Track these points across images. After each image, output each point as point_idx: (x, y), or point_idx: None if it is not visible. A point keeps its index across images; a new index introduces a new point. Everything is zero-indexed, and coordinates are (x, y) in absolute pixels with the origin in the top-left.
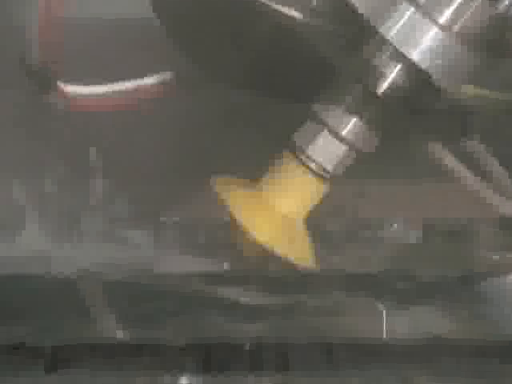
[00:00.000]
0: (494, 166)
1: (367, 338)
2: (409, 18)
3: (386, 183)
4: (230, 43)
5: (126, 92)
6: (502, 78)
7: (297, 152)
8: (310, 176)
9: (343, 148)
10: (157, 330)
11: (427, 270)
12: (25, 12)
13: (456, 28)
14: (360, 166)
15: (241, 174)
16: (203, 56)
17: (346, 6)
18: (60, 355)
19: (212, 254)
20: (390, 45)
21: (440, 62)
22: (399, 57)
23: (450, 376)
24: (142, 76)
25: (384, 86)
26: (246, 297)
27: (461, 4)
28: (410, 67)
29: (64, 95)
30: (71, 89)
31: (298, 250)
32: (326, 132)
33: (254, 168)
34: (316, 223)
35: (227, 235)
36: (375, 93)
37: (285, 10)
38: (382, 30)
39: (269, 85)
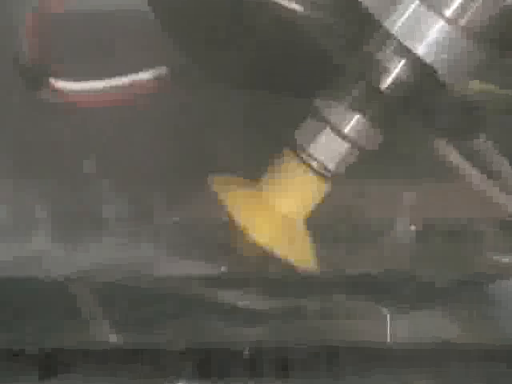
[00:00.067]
0: (502, 164)
1: (370, 343)
2: (414, 10)
3: (387, 182)
4: (227, 37)
5: (120, 87)
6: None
7: (297, 150)
8: (311, 175)
9: (345, 146)
10: (152, 335)
11: (431, 271)
12: (18, 11)
13: (463, 21)
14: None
15: (239, 173)
16: (200, 51)
17: None
18: (52, 361)
19: (210, 256)
20: (394, 39)
21: (446, 56)
22: (404, 51)
23: (456, 382)
24: (138, 71)
25: (388, 81)
26: (245, 300)
27: None
28: (415, 62)
29: (56, 91)
30: (63, 85)
31: (298, 252)
32: (327, 129)
33: (253, 166)
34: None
35: (226, 236)
36: (379, 88)
37: (285, 2)
38: (386, 23)
39: (268, 80)
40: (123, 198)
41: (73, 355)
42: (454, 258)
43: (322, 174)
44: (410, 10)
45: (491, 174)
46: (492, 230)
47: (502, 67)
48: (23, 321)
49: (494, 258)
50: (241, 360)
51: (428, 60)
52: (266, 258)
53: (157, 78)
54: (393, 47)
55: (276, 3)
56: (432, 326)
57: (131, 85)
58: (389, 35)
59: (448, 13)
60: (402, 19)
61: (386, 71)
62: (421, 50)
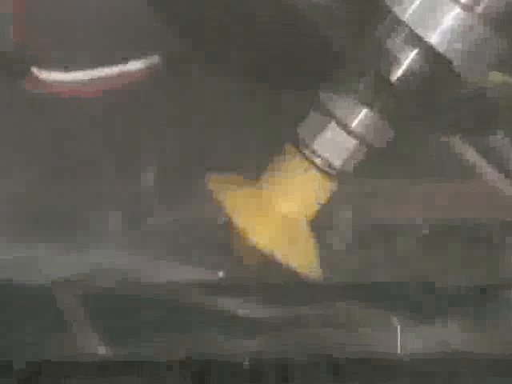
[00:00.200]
0: None
1: (379, 354)
2: None
3: (398, 181)
4: (226, 23)
5: (108, 78)
6: None
7: (300, 146)
8: (314, 172)
9: (352, 142)
10: (144, 346)
11: (446, 278)
12: None
13: (479, 8)
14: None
15: (238, 172)
16: (196, 38)
17: None
18: (35, 374)
19: (206, 261)
20: (406, 26)
21: (461, 45)
22: (415, 40)
23: None
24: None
25: (398, 72)
26: (245, 308)
27: None
28: (428, 51)
29: (39, 82)
30: (47, 75)
31: (301, 256)
32: (333, 124)
33: (253, 164)
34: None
35: (223, 238)
36: (388, 80)
37: None
38: (396, 9)
39: (269, 71)
40: None
41: (59, 368)
42: (471, 264)
43: (327, 171)
44: None
45: (509, 173)
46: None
47: None
48: (3, 332)
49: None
50: (241, 372)
51: (442, 49)
52: (267, 262)
53: (148, 68)
54: (404, 36)
55: None
56: (446, 336)
57: (120, 75)
58: (399, 22)
59: None
60: (414, 5)
61: (397, 61)
62: (434, 38)
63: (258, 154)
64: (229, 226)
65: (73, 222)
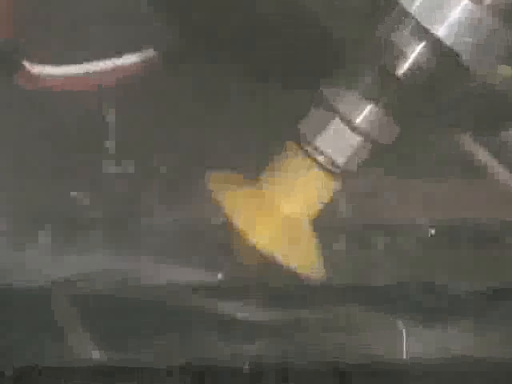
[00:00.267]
0: None
1: (384, 358)
2: None
3: (405, 179)
4: (225, 14)
5: (102, 72)
6: None
7: (302, 143)
8: (316, 170)
9: (357, 138)
10: (140, 351)
11: (455, 281)
12: None
13: (488, 0)
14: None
15: (237, 170)
16: (193, 31)
17: None
18: (26, 380)
19: (204, 262)
20: (413, 18)
21: (469, 38)
22: (422, 33)
23: None
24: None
25: (404, 66)
26: (244, 312)
27: None
28: (435, 44)
29: (31, 76)
30: (39, 69)
31: (303, 257)
32: (336, 120)
33: (253, 162)
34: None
35: (222, 239)
36: (394, 75)
37: None
38: (403, 1)
39: (269, 65)
40: None
41: (50, 374)
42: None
43: (330, 169)
44: None
45: None
46: None
47: None
48: None
49: None
50: (241, 376)
51: (449, 42)
52: (268, 263)
53: (144, 62)
54: (410, 28)
55: None
56: (455, 340)
57: (114, 69)
58: (406, 14)
59: None
60: None
61: (403, 55)
62: (441, 31)
63: (258, 153)
64: (228, 226)
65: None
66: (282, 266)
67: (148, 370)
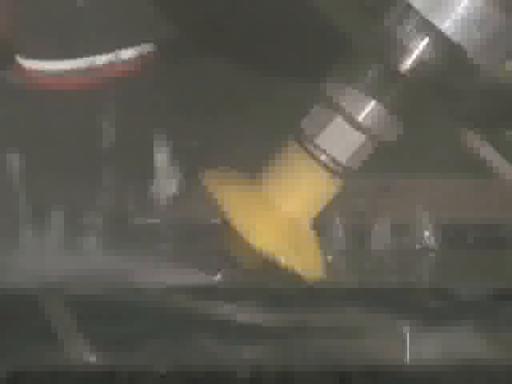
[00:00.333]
0: None
1: (386, 361)
2: None
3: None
4: (227, 7)
5: (96, 69)
6: None
7: (303, 141)
8: (318, 169)
9: (359, 136)
10: (135, 355)
11: (461, 283)
12: None
13: None
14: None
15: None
16: (194, 26)
17: None
18: None
19: (201, 264)
20: (417, 13)
21: (476, 33)
22: (427, 28)
23: None
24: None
25: (408, 62)
26: (243, 315)
27: None
28: (440, 40)
29: (23, 71)
30: (30, 64)
31: (304, 258)
32: (339, 118)
33: (253, 161)
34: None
35: (220, 241)
36: (398, 71)
37: None
38: None
39: (272, 61)
40: None
41: (44, 379)
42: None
43: (332, 168)
44: None
45: None
46: None
47: None
48: None
49: None
50: (241, 381)
51: (455, 38)
52: (268, 265)
53: (141, 57)
54: (415, 24)
55: None
56: (459, 344)
57: (108, 66)
58: (410, 9)
59: None
60: None
61: (407, 51)
62: (447, 26)
63: (258, 153)
64: (227, 226)
65: None
66: (281, 266)
67: (143, 374)
